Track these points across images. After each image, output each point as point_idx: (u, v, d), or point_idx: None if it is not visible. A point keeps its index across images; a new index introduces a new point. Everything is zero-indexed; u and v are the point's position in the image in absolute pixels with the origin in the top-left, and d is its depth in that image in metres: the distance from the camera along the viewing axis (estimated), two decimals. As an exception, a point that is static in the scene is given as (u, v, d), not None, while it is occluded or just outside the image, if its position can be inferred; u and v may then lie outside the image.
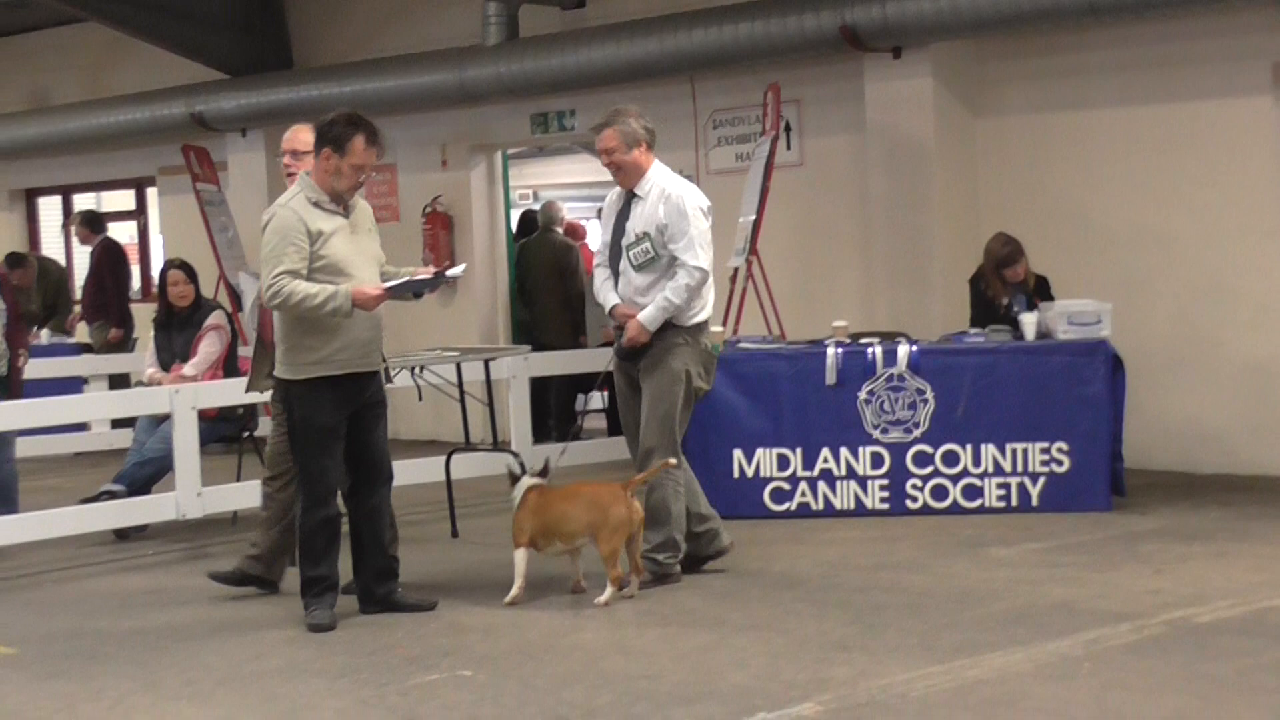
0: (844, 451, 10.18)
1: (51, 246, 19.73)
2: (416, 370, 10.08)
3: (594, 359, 11.34)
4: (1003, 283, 10.73)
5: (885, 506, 10.16)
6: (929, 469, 10.13)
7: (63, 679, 7.00)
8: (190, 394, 10.09)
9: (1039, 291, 10.75)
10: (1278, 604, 7.46)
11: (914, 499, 10.15)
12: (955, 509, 10.09)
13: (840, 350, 10.25)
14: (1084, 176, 11.92)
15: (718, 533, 8.70)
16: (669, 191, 8.37)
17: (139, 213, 19.12)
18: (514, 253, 15.40)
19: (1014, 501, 10.08)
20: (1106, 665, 6.49)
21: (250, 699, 6.56)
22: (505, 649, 7.16)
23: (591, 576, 8.14)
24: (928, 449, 10.13)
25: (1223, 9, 10.91)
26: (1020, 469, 10.07)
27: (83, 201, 19.32)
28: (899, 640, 7.02)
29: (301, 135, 8.42)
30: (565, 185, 22.30)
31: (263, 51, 16.24)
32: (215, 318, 11.03)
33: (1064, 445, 10.03)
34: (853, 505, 10.19)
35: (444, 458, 10.52)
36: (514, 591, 8.01)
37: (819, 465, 10.21)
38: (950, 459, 10.11)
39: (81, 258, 18.00)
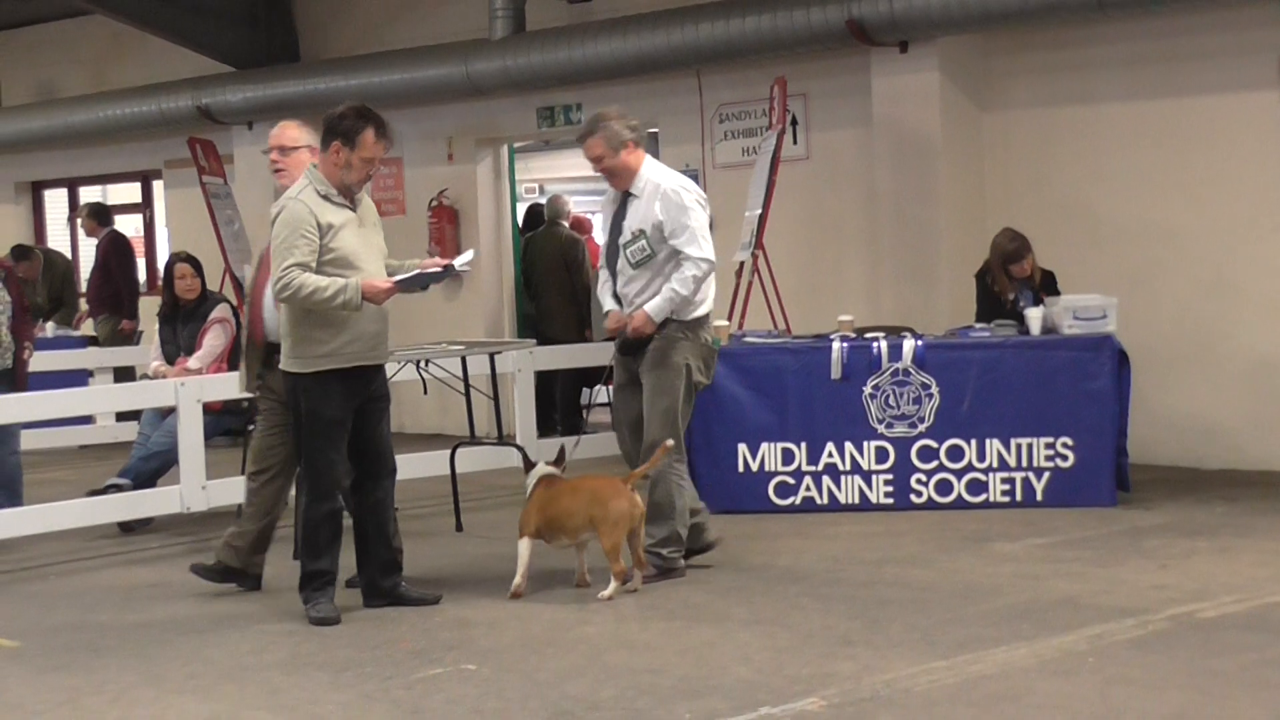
0: (849, 446, 10.18)
1: (57, 239, 19.74)
2: (422, 364, 10.07)
3: (599, 353, 11.34)
4: (1009, 278, 10.72)
5: (890, 501, 10.15)
6: (934, 464, 10.12)
7: (66, 672, 7.00)
8: (195, 387, 10.09)
9: (1045, 287, 10.73)
10: (1283, 600, 7.46)
11: (919, 494, 10.14)
12: (960, 504, 10.08)
13: (845, 345, 10.24)
14: (1090, 171, 11.90)
15: (705, 527, 8.70)
16: (664, 187, 8.34)
17: (145, 206, 19.12)
18: (520, 246, 15.40)
19: (1019, 496, 10.07)
20: (1111, 661, 6.48)
21: (253, 692, 6.56)
22: (509, 643, 7.16)
23: (595, 571, 8.13)
24: (932, 444, 10.12)
25: (1229, 4, 10.89)
26: (1025, 464, 10.06)
27: (88, 194, 19.32)
28: (903, 635, 7.02)
29: (289, 132, 8.41)
30: (571, 179, 22.26)
31: (269, 44, 16.24)
32: (220, 311, 11.03)
33: (1069, 440, 10.02)
34: (857, 500, 10.18)
35: (449, 452, 10.52)
36: (516, 581, 8.02)
37: (824, 460, 10.20)
38: (955, 454, 10.11)
39: (87, 250, 18.01)
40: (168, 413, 10.58)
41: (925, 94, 12.14)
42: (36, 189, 20.23)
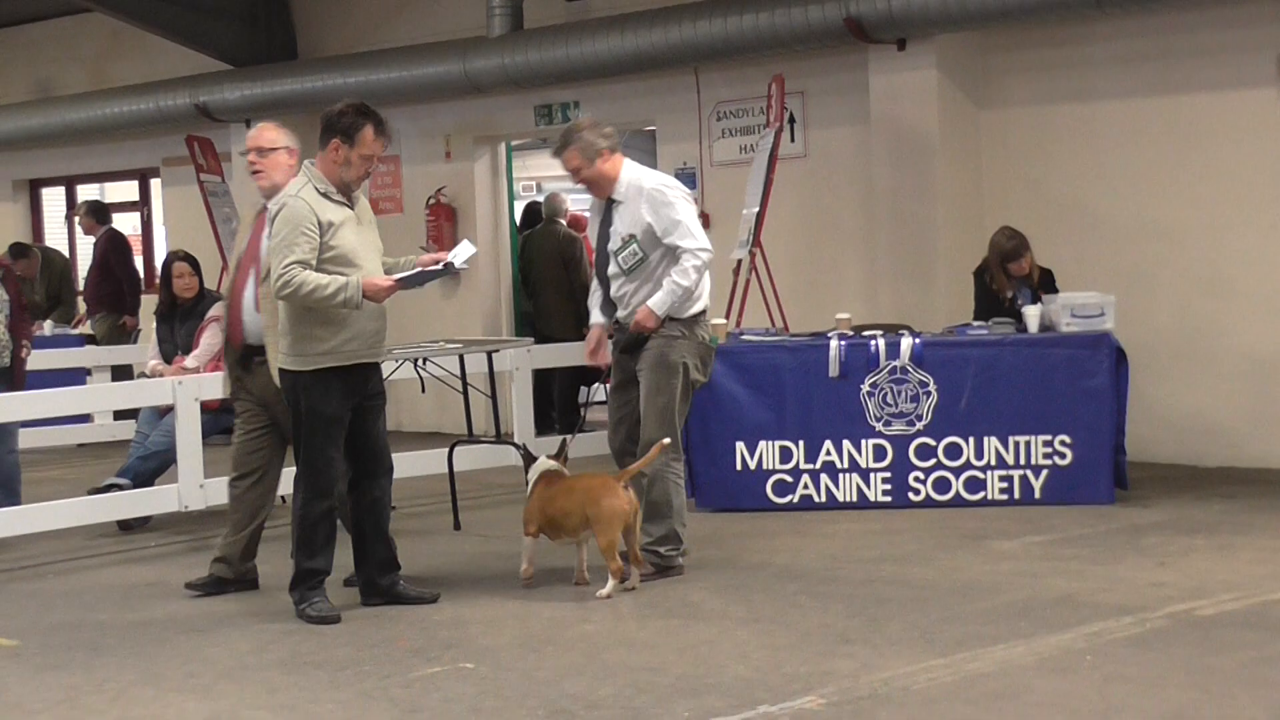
0: (846, 444, 10.18)
1: (55, 237, 19.73)
2: (419, 362, 10.07)
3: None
4: (1007, 276, 10.72)
5: (888, 499, 10.15)
6: (932, 461, 10.12)
7: (65, 671, 7.00)
8: (193, 385, 10.09)
9: (1044, 285, 10.73)
10: (1281, 597, 7.47)
11: (916, 492, 10.14)
12: (958, 501, 10.08)
13: (843, 342, 10.24)
14: (1088, 169, 11.90)
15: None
16: (646, 188, 8.33)
17: (142, 204, 19.11)
18: (517, 244, 15.40)
19: (1016, 494, 10.07)
20: (1109, 658, 6.49)
21: (252, 691, 6.56)
22: (508, 641, 7.16)
23: (595, 569, 8.13)
24: (930, 441, 10.12)
25: (1227, 1, 10.89)
26: (1023, 462, 10.07)
27: (86, 192, 19.32)
28: (901, 633, 7.02)
29: (267, 133, 8.41)
30: (569, 177, 22.29)
31: (267, 42, 16.24)
32: (217, 309, 10.97)
33: (1067, 438, 10.02)
34: (855, 498, 10.19)
35: (447, 450, 10.52)
36: (523, 568, 8.20)
37: (821, 458, 10.20)
38: (953, 451, 10.11)
39: (85, 248, 18.01)
40: (165, 411, 10.58)
41: (923, 92, 12.14)
42: (34, 187, 20.22)
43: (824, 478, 10.21)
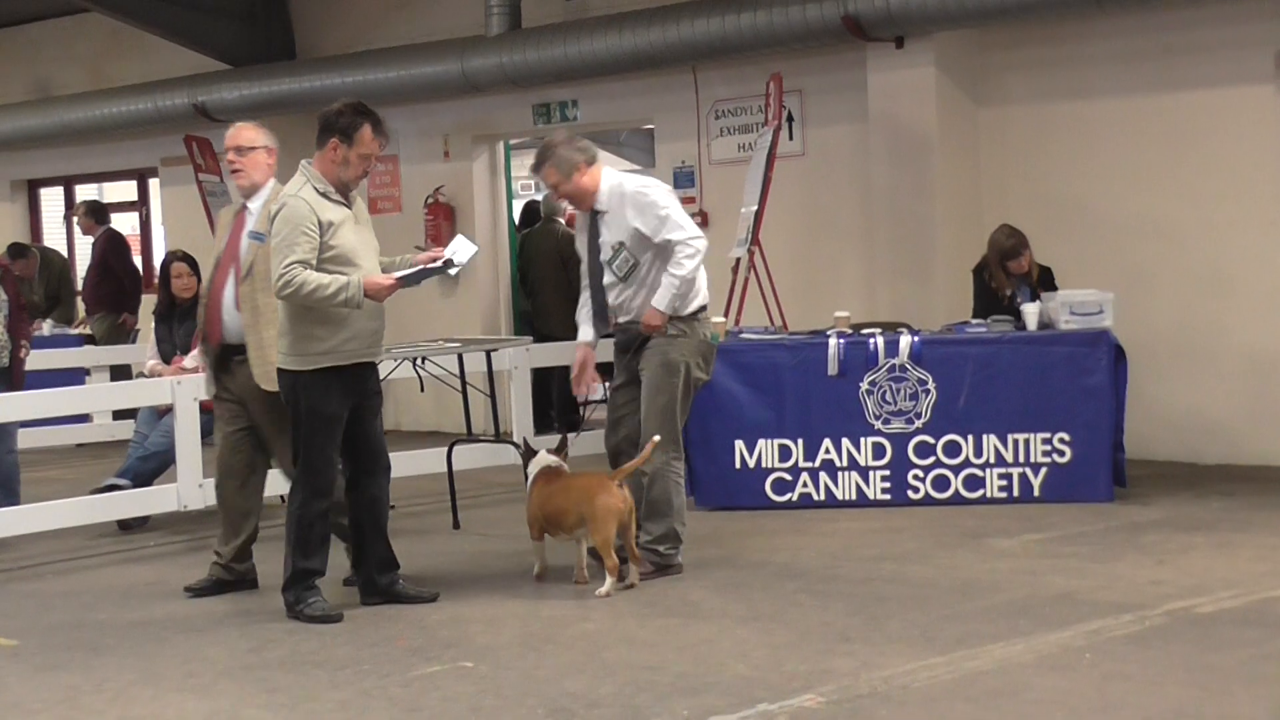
0: (846, 442, 10.18)
1: (53, 237, 19.72)
2: (418, 361, 10.07)
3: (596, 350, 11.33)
4: (1007, 274, 10.72)
5: (887, 497, 10.15)
6: (931, 459, 10.12)
7: (64, 671, 7.00)
8: (191, 385, 10.07)
9: (1043, 282, 10.73)
10: (1280, 594, 7.47)
11: (916, 490, 10.14)
12: (957, 499, 10.09)
13: (842, 341, 10.24)
14: (1087, 166, 11.90)
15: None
16: (627, 192, 8.34)
17: (141, 204, 19.11)
18: (516, 243, 15.39)
19: (1016, 492, 10.07)
20: (1108, 656, 6.49)
21: (252, 690, 6.56)
22: (507, 640, 7.16)
23: (595, 568, 8.13)
24: (929, 439, 10.12)
25: (1225, -2, 10.91)
26: (1022, 459, 10.07)
27: (85, 192, 19.31)
28: (901, 631, 7.02)
29: (245, 133, 8.41)
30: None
31: (265, 42, 16.23)
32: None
33: (1066, 436, 10.02)
34: (854, 496, 10.18)
35: (446, 449, 10.52)
36: (535, 571, 8.34)
37: (821, 456, 10.20)
38: (952, 449, 10.11)
39: (83, 248, 18.00)
40: (164, 411, 10.58)
41: (921, 89, 12.14)
42: (33, 187, 20.21)
43: (823, 476, 10.21)
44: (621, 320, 8.48)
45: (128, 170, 18.93)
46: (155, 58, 17.03)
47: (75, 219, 17.45)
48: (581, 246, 8.59)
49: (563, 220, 15.02)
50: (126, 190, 19.36)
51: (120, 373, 14.49)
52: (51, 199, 20.13)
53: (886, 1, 11.56)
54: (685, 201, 13.63)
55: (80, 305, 16.81)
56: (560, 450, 8.47)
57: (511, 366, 11.29)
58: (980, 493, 10.10)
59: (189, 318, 10.94)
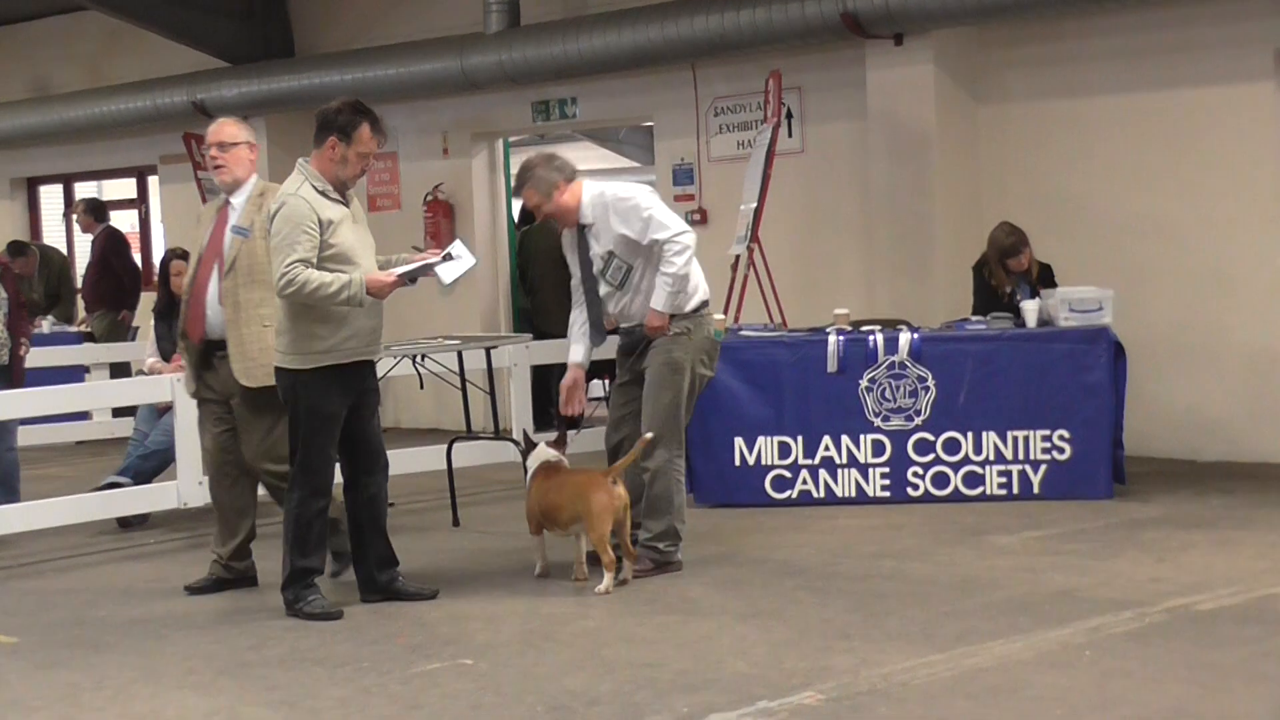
0: (845, 439, 10.18)
1: (53, 235, 19.72)
2: (418, 359, 10.06)
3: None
4: (1006, 272, 10.72)
5: (886, 494, 10.15)
6: (930, 456, 10.13)
7: (64, 668, 7.00)
8: (191, 383, 10.08)
9: (1043, 280, 10.73)
10: (1279, 591, 7.47)
11: (915, 487, 10.14)
12: (956, 496, 10.09)
13: (842, 338, 10.24)
14: (1086, 163, 11.90)
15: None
16: (608, 199, 8.35)
17: (140, 201, 19.10)
18: (515, 240, 15.39)
19: (1015, 489, 10.07)
20: (1108, 653, 6.49)
21: (251, 688, 6.56)
22: (507, 637, 7.16)
23: (593, 565, 8.13)
24: (929, 436, 10.12)
25: (1225, -5, 10.91)
26: (1021, 456, 10.07)
27: (84, 190, 19.31)
28: (900, 628, 7.02)
29: (228, 129, 8.37)
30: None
31: (264, 39, 16.23)
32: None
33: (1065, 433, 10.02)
34: (854, 493, 10.19)
35: (445, 446, 10.52)
36: (537, 568, 8.33)
37: (820, 453, 10.20)
38: (951, 446, 10.11)
39: (83, 246, 17.99)
40: (164, 409, 10.59)
41: (920, 87, 12.14)
42: (32, 185, 20.21)
43: (823, 473, 10.21)
44: (625, 326, 8.51)
45: (127, 168, 18.93)
46: (154, 56, 17.03)
47: (75, 217, 17.44)
48: (573, 263, 8.58)
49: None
50: (126, 188, 19.35)
51: (120, 370, 14.49)
52: (51, 197, 20.13)
53: (886, -1, 11.57)
54: (684, 199, 13.79)
55: (80, 303, 16.80)
56: (559, 444, 8.48)
57: (511, 364, 11.30)
58: (980, 490, 10.10)
59: (189, 315, 10.95)
